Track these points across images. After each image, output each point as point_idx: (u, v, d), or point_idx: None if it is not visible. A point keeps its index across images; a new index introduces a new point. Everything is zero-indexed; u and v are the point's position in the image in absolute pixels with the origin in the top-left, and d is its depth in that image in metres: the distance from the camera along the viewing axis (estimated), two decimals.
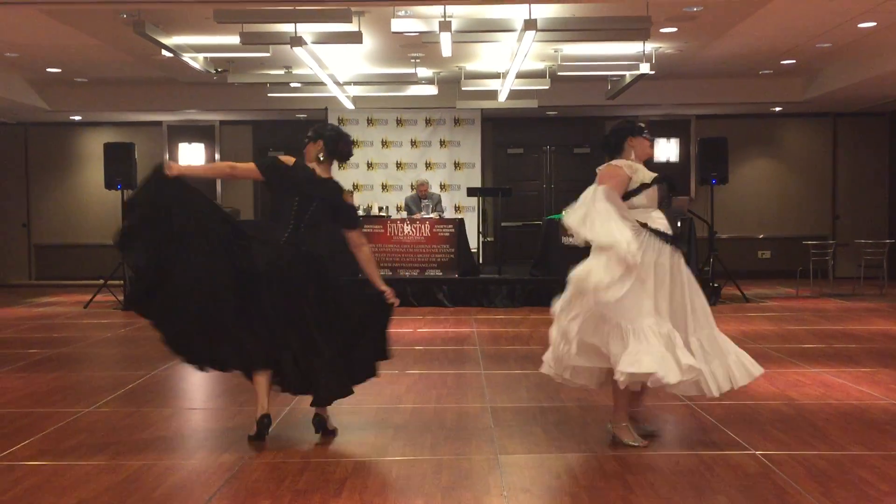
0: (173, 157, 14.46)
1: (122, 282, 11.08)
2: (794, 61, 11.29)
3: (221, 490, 3.83)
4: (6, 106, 12.57)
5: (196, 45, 9.54)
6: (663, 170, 14.21)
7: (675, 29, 9.37)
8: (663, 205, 4.52)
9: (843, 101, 13.02)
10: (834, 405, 5.32)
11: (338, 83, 11.50)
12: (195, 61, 9.68)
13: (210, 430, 5.02)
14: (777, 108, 13.81)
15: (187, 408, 5.69)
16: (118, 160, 11.46)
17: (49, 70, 11.47)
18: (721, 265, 11.08)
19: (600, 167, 4.55)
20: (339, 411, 5.26)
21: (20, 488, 3.87)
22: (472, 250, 11.62)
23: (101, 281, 11.42)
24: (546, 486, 3.86)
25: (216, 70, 10.46)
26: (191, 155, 14.52)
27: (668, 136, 14.43)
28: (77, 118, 14.18)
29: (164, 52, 9.30)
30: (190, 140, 14.59)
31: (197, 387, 6.21)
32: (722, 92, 12.92)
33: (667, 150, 14.43)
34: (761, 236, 14.50)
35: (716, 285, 10.76)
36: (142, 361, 6.95)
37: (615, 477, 3.95)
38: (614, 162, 4.51)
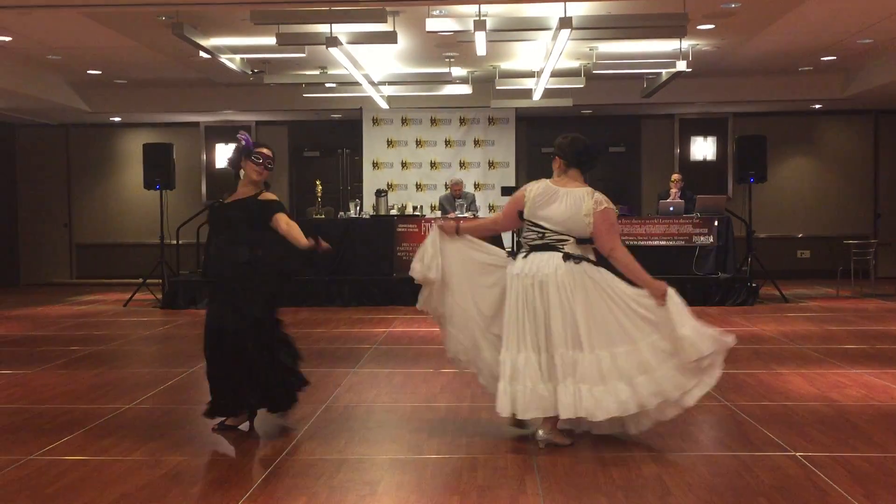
0: (210, 158, 14.67)
1: (160, 281, 11.25)
2: (834, 58, 11.11)
3: (259, 486, 3.87)
4: (48, 108, 12.82)
5: (233, 47, 9.64)
6: (701, 169, 14.26)
7: (712, 26, 9.27)
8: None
9: (885, 98, 12.77)
10: (876, 406, 5.23)
11: (372, 83, 11.54)
12: (232, 62, 9.79)
13: (248, 426, 5.06)
14: (817, 106, 13.59)
15: None
16: (157, 161, 11.64)
17: (90, 72, 11.67)
18: (759, 265, 10.93)
19: (601, 205, 4.47)
20: (375, 409, 5.30)
21: (62, 483, 3.94)
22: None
23: (141, 280, 11.61)
24: (582, 486, 3.83)
25: (252, 71, 10.56)
26: (227, 155, 14.67)
27: (704, 134, 14.25)
28: (117, 119, 14.41)
29: (202, 54, 9.41)
30: (227, 140, 14.74)
31: None
32: (760, 89, 12.73)
33: (703, 148, 14.25)
34: (800, 235, 14.28)
35: (754, 285, 10.62)
36: (181, 358, 7.03)
37: (652, 477, 3.92)
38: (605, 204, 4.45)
